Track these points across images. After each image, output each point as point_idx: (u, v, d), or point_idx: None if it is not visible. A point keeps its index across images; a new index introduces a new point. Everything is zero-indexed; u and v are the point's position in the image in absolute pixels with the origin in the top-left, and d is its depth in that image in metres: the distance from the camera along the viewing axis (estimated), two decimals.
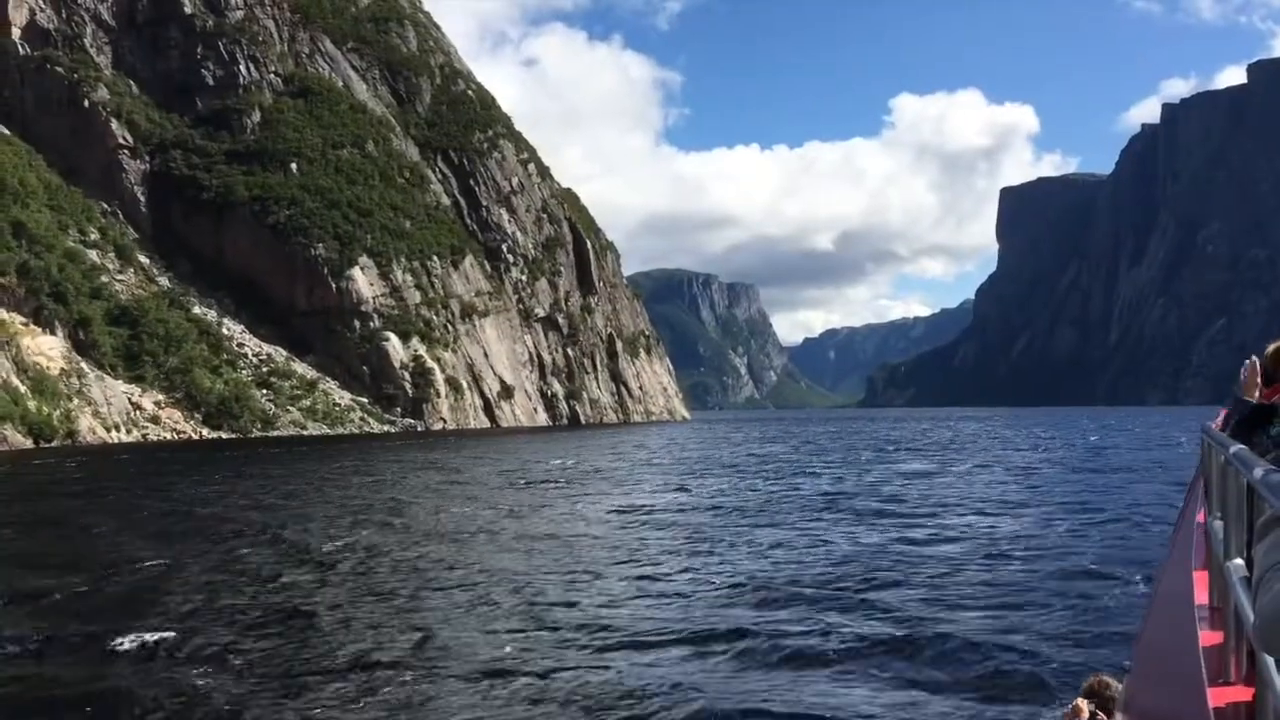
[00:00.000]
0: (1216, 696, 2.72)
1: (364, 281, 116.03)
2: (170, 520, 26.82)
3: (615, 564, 19.11)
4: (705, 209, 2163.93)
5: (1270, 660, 1.49)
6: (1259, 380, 4.29)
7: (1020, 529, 23.52)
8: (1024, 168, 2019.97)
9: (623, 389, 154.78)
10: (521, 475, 43.24)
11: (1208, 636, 3.20)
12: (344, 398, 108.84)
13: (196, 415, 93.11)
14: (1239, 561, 2.74)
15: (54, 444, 71.08)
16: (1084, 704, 5.48)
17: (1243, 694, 2.72)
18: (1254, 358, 4.49)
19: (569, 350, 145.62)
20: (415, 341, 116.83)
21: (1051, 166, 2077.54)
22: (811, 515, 26.78)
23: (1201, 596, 3.75)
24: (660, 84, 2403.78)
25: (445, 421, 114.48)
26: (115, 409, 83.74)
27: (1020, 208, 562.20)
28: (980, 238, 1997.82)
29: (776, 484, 37.85)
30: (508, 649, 12.62)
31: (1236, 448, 2.71)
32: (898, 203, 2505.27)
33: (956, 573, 17.51)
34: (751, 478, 41.19)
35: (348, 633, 13.57)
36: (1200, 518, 4.70)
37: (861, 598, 15.37)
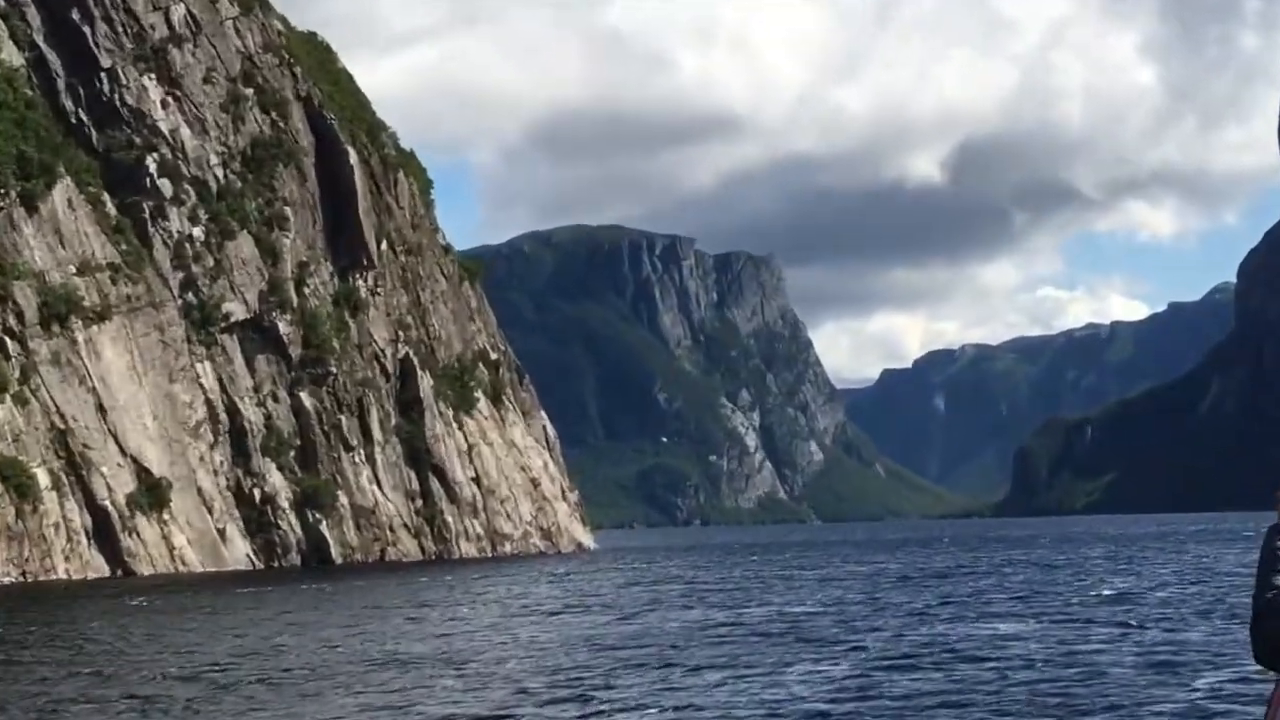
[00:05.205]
0: None
1: None
2: None
3: None
4: (671, 100, 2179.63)
5: None
6: None
7: None
8: None
9: (433, 483, 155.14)
10: None
11: None
12: None
13: None
14: None
15: None
16: None
17: None
18: None
19: (306, 396, 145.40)
20: None
21: None
22: None
23: None
24: None
25: None
26: None
27: None
28: (1248, 157, 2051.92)
29: None
30: None
31: None
32: (1076, 83, 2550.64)
33: None
34: None
35: None
36: None
37: None
